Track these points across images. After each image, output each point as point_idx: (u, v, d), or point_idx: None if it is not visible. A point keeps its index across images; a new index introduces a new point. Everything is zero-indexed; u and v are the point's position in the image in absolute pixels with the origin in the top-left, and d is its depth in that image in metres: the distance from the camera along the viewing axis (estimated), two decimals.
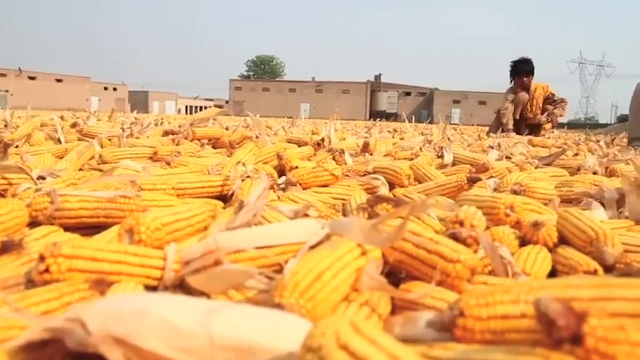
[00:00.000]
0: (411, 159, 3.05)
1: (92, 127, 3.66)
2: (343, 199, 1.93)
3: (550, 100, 7.46)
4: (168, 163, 2.32)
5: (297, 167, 2.15)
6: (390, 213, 0.90)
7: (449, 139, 4.91)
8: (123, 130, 3.09)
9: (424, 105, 59.52)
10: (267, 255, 0.91)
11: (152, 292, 0.99)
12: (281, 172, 2.31)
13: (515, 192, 1.80)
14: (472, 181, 1.92)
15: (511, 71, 7.53)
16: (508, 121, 7.25)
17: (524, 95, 7.46)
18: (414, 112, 48.53)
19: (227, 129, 4.39)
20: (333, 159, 3.08)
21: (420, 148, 3.19)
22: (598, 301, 0.66)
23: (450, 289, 0.92)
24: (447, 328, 0.69)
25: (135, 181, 1.61)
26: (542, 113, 7.40)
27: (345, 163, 2.94)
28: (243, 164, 1.92)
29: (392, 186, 2.20)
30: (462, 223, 1.13)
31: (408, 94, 62.13)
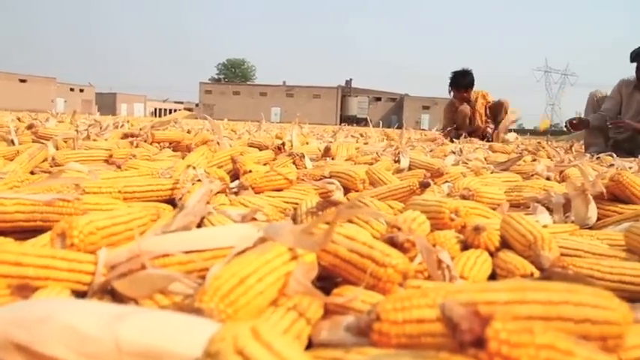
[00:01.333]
0: (372, 163, 3.06)
1: (48, 129, 3.57)
2: (296, 204, 1.92)
3: (491, 107, 7.29)
4: (118, 167, 2.28)
5: (250, 171, 2.13)
6: (319, 218, 0.90)
7: (411, 144, 4.96)
8: (77, 132, 3.01)
9: (394, 110, 60.15)
10: (195, 260, 0.89)
11: (81, 297, 0.96)
12: (236, 176, 2.29)
13: (463, 197, 1.82)
14: (424, 185, 1.93)
15: (450, 83, 7.23)
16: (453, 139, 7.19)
17: (465, 108, 7.25)
18: (384, 118, 48.95)
19: (189, 132, 4.34)
20: (294, 163, 3.08)
21: (377, 153, 3.21)
22: (513, 305, 0.67)
23: (382, 293, 0.92)
24: (363, 333, 0.69)
25: (79, 185, 1.57)
26: (486, 122, 7.22)
27: (305, 167, 2.94)
28: (194, 167, 1.90)
29: (348, 190, 2.20)
30: (399, 228, 1.13)
31: (379, 99, 62.69)
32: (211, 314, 0.71)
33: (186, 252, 0.91)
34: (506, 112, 7.29)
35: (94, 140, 3.41)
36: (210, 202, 1.80)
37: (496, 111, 7.25)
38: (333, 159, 3.47)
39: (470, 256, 1.22)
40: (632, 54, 5.26)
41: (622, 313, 0.68)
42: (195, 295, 0.75)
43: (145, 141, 3.54)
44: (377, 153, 3.20)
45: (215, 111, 54.47)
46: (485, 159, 3.85)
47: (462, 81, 7.17)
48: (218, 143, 2.93)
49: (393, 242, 1.08)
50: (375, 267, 0.92)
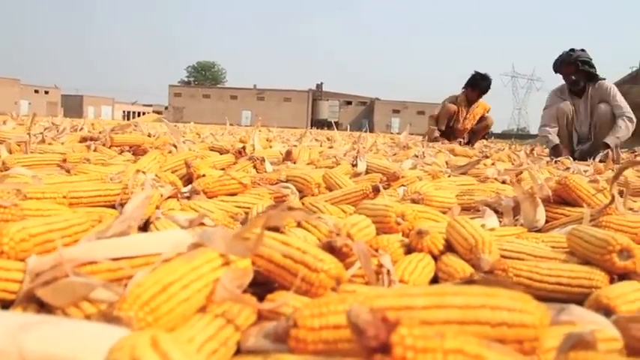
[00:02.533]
0: (333, 167, 3.07)
1: (2, 132, 3.48)
2: (248, 208, 1.91)
3: (481, 119, 7.42)
4: (67, 171, 2.23)
5: (204, 175, 2.11)
6: (252, 223, 0.89)
7: (376, 147, 5.00)
8: (30, 135, 2.93)
9: (365, 114, 60.50)
10: (125, 267, 0.87)
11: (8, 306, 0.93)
12: (191, 180, 2.26)
13: (414, 200, 1.83)
14: (376, 189, 1.94)
15: (469, 82, 7.32)
16: (432, 133, 7.26)
17: (450, 107, 7.40)
18: (354, 121, 49.20)
19: (149, 135, 4.28)
20: (254, 167, 3.07)
21: (335, 157, 3.22)
22: (431, 309, 0.67)
23: (315, 298, 0.91)
24: (281, 339, 0.68)
25: (20, 190, 1.53)
26: (470, 130, 7.35)
27: (266, 171, 2.93)
28: (143, 172, 1.87)
29: (303, 194, 2.20)
30: (338, 232, 1.13)
31: (349, 103, 62.99)
32: (130, 323, 0.70)
33: (117, 259, 0.90)
34: (486, 129, 7.48)
35: (50, 144, 3.33)
36: (160, 206, 1.78)
37: (480, 127, 7.41)
38: (294, 163, 3.47)
39: (412, 260, 1.23)
40: (553, 66, 5.58)
41: (538, 316, 0.69)
42: (114, 304, 0.73)
43: (104, 145, 3.48)
44: (335, 157, 3.21)
45: (185, 114, 53.97)
46: (446, 163, 3.91)
47: (481, 83, 7.29)
48: (176, 147, 2.90)
49: (331, 247, 1.08)
50: (308, 272, 0.92)
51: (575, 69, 5.38)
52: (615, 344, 0.85)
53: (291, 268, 0.94)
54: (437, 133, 7.22)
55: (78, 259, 0.85)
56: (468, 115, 7.32)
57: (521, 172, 2.99)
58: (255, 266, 0.99)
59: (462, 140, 7.02)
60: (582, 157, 5.30)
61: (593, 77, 5.44)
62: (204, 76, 79.27)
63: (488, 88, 7.35)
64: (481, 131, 7.43)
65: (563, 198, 2.01)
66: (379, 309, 0.68)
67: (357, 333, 0.55)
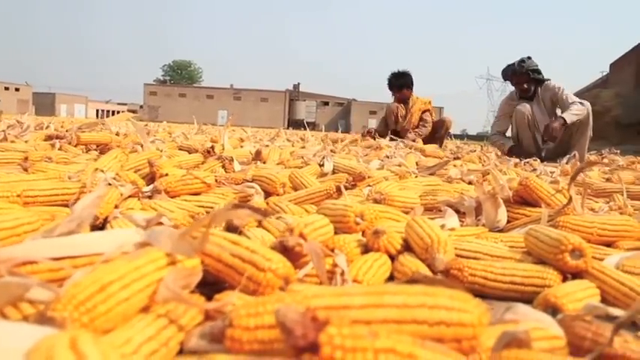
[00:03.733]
0: (302, 167, 3.07)
1: None
2: (211, 208, 1.89)
3: (435, 122, 7.38)
4: (25, 169, 2.18)
5: (167, 174, 2.08)
6: (197, 222, 0.88)
7: (348, 147, 5.00)
8: None
9: (342, 115, 60.64)
10: (66, 266, 0.85)
11: None
12: (155, 180, 2.23)
13: (375, 200, 1.84)
14: (339, 190, 1.94)
15: (388, 84, 7.39)
16: (375, 136, 7.26)
17: (390, 107, 7.42)
18: (332, 122, 49.30)
19: (118, 134, 4.22)
20: (223, 167, 3.05)
21: (303, 157, 3.21)
22: (369, 308, 0.67)
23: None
24: (217, 339, 0.67)
25: None
26: (414, 128, 7.24)
27: (234, 171, 2.91)
28: (102, 171, 1.84)
29: (269, 194, 2.19)
30: (291, 232, 1.13)
31: (326, 104, 63.05)
32: (64, 323, 0.68)
33: (60, 258, 0.87)
34: (447, 130, 7.48)
35: (12, 142, 3.25)
36: (119, 206, 1.76)
37: (437, 126, 7.40)
38: (264, 163, 3.45)
39: (367, 260, 1.23)
40: (502, 74, 5.83)
41: (476, 315, 0.69)
42: (49, 304, 0.72)
43: (70, 143, 3.42)
44: (303, 157, 3.21)
45: (160, 113, 53.42)
46: (417, 163, 3.93)
47: (395, 81, 7.30)
48: (141, 146, 2.86)
49: (284, 247, 1.08)
50: (255, 271, 0.91)
51: (527, 78, 5.63)
52: (558, 342, 0.86)
53: (239, 268, 0.93)
54: (362, 130, 7.28)
55: (16, 258, 0.83)
56: (407, 115, 7.30)
57: (488, 173, 3.02)
58: (205, 266, 0.98)
59: (413, 138, 6.97)
60: (549, 156, 5.40)
61: (541, 81, 5.70)
62: (181, 75, 78.51)
63: (408, 82, 7.31)
64: (440, 132, 7.39)
65: (524, 198, 2.04)
66: (315, 308, 0.67)
67: (285, 332, 0.54)
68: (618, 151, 7.08)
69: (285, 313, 0.54)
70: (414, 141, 6.46)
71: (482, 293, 1.30)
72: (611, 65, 28.56)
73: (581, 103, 5.49)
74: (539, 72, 5.66)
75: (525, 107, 5.70)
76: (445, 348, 0.65)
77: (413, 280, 0.85)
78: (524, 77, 5.64)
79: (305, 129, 9.50)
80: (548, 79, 5.74)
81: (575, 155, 4.58)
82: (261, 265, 0.91)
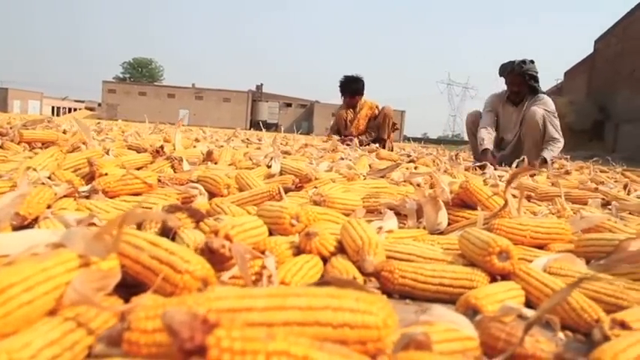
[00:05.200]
0: (253, 168, 3.05)
1: None
2: (150, 209, 1.86)
3: (374, 119, 7.33)
4: None
5: (106, 174, 2.04)
6: (110, 223, 0.86)
7: (304, 149, 5.01)
8: None
9: (304, 117, 60.66)
10: None
11: None
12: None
13: (315, 202, 1.84)
14: (285, 190, 1.94)
15: (340, 88, 7.32)
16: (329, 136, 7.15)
17: (339, 113, 7.41)
18: (294, 123, 49.19)
19: (64, 132, 4.10)
20: (172, 167, 3.00)
21: (250, 158, 3.20)
22: (271, 311, 0.67)
23: None
24: (115, 343, 0.66)
25: None
26: (366, 131, 7.25)
27: (183, 172, 2.87)
28: (34, 170, 1.78)
29: (213, 195, 2.16)
30: (216, 233, 1.12)
31: (289, 105, 62.94)
32: None
33: None
34: (389, 120, 7.36)
35: None
36: (53, 206, 1.71)
37: (378, 122, 7.33)
38: (216, 163, 3.42)
39: (297, 262, 1.23)
40: (500, 69, 5.53)
41: (381, 317, 0.70)
42: None
43: (12, 141, 3.31)
44: (251, 159, 3.19)
45: (119, 111, 52.34)
46: (370, 166, 3.96)
47: (347, 87, 7.25)
48: (85, 144, 2.79)
49: (209, 248, 1.07)
50: (172, 273, 0.90)
51: (521, 81, 5.35)
52: (470, 343, 0.87)
53: (157, 269, 0.91)
54: (327, 132, 7.24)
55: None
56: (354, 120, 7.24)
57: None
58: (124, 268, 0.96)
59: (362, 140, 6.96)
60: (501, 163, 5.47)
61: (535, 91, 5.43)
62: (141, 73, 77.02)
63: (359, 88, 7.27)
64: (384, 125, 7.32)
65: (465, 202, 2.08)
66: (218, 310, 0.67)
67: (172, 335, 0.53)
68: (568, 157, 7.29)
69: (172, 316, 0.53)
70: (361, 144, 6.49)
71: (412, 295, 1.32)
72: (565, 74, 29.48)
73: (560, 139, 5.34)
74: (536, 80, 5.38)
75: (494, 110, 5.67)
76: (347, 350, 0.65)
77: (325, 283, 0.85)
78: (518, 79, 5.34)
79: (263, 130, 9.43)
80: (543, 92, 5.49)
81: (524, 160, 4.69)
82: (178, 267, 0.90)
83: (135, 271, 0.95)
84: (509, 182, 1.86)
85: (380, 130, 7.26)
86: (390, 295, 1.30)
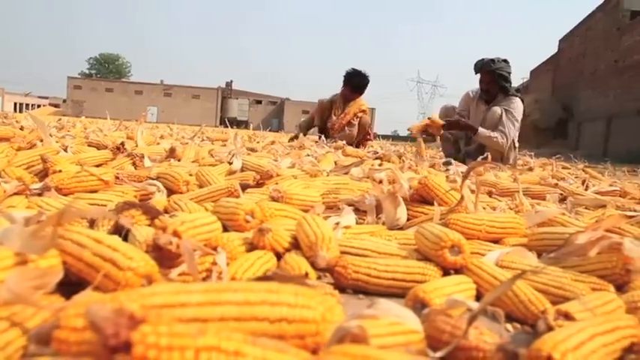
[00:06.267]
0: (216, 165, 3.03)
1: None
2: (105, 206, 1.83)
3: (354, 120, 7.25)
4: None
5: (60, 171, 1.99)
6: (47, 219, 0.84)
7: (270, 146, 4.99)
8: None
9: (275, 114, 60.47)
10: None
11: None
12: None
13: (273, 198, 1.83)
14: (243, 187, 1.92)
15: (346, 80, 7.13)
16: (301, 127, 7.14)
17: (321, 102, 7.33)
18: (265, 121, 49.00)
19: (22, 129, 4.00)
20: (133, 164, 2.96)
21: (212, 155, 3.18)
22: (206, 306, 0.66)
23: None
24: (44, 342, 0.64)
25: None
26: (346, 126, 7.16)
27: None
28: None
29: (172, 192, 2.14)
30: (164, 229, 1.10)
31: (260, 102, 62.65)
32: None
33: None
34: (362, 129, 7.37)
35: None
36: (2, 203, 1.66)
37: (358, 127, 7.33)
38: (179, 160, 3.38)
39: (249, 258, 1.22)
40: (475, 66, 5.51)
41: (320, 312, 0.70)
42: None
43: None
44: (212, 155, 3.16)
45: (86, 108, 51.35)
46: (335, 162, 3.97)
47: (353, 80, 7.07)
48: (42, 141, 2.73)
49: (156, 245, 1.05)
50: (114, 270, 0.88)
51: (491, 79, 5.27)
52: (414, 336, 0.88)
53: (100, 267, 0.90)
54: (304, 132, 7.12)
55: None
56: (342, 113, 7.10)
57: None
58: (67, 265, 0.93)
59: (336, 138, 6.95)
60: (465, 159, 5.52)
61: (506, 91, 5.35)
62: (108, 68, 75.57)
63: (362, 85, 7.15)
64: (360, 131, 7.32)
65: (424, 197, 2.10)
66: (151, 306, 0.66)
67: (96, 331, 0.52)
68: (532, 154, 7.44)
69: (95, 312, 0.52)
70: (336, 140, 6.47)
71: (366, 290, 1.32)
72: (531, 72, 30.09)
73: (503, 136, 5.24)
74: (506, 80, 5.28)
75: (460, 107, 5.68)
76: (284, 345, 0.64)
77: (267, 278, 0.85)
78: (488, 76, 5.27)
79: (238, 127, 9.34)
80: (516, 95, 5.39)
81: (487, 157, 4.75)
82: (120, 264, 0.89)
83: (77, 268, 0.93)
84: (465, 177, 1.88)
85: (357, 135, 7.26)
86: (343, 290, 1.31)
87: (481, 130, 5.19)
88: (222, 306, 0.66)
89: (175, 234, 1.08)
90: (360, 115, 7.20)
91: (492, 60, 5.29)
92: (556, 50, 25.07)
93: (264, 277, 0.87)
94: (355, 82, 7.12)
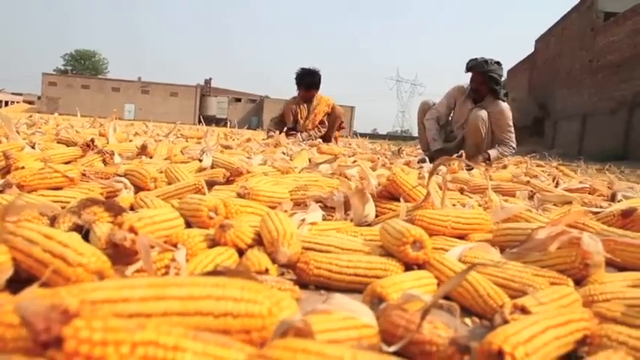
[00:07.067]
0: (188, 162, 3.01)
1: None
2: (68, 203, 1.80)
3: (328, 115, 7.26)
4: None
5: (23, 167, 1.95)
6: None
7: (245, 143, 4.97)
8: None
9: (254, 112, 60.20)
10: None
11: None
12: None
13: (239, 195, 1.83)
14: (210, 184, 1.91)
15: (297, 80, 7.11)
16: (269, 130, 6.99)
17: (288, 105, 7.25)
18: (244, 119, 48.78)
19: None
20: (103, 161, 2.93)
21: (181, 152, 3.16)
22: (149, 301, 0.65)
23: None
24: None
25: None
26: (317, 126, 7.16)
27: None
28: None
29: (140, 189, 2.12)
30: (120, 226, 1.09)
31: (239, 100, 62.30)
32: None
33: None
34: (337, 120, 7.34)
35: None
36: None
37: (331, 121, 7.31)
38: (151, 157, 3.35)
39: (210, 254, 1.21)
40: (467, 64, 5.44)
41: (267, 306, 0.70)
42: None
43: None
44: (183, 152, 3.14)
45: (61, 105, 50.41)
46: (309, 160, 3.97)
47: (303, 79, 7.07)
48: (7, 138, 2.68)
49: (112, 241, 1.04)
50: (64, 266, 0.87)
51: (481, 80, 5.23)
52: (367, 331, 0.88)
53: (50, 263, 0.88)
54: (272, 132, 7.06)
55: None
56: (309, 115, 7.09)
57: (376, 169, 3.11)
58: (17, 262, 0.92)
59: (311, 135, 6.94)
60: (446, 154, 5.51)
61: (496, 93, 5.32)
62: (84, 65, 74.37)
63: (315, 82, 7.12)
64: (334, 124, 7.30)
65: (393, 194, 2.11)
66: (93, 301, 0.65)
67: (27, 327, 0.51)
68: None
69: (26, 307, 0.51)
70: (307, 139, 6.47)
71: (329, 286, 1.32)
72: (508, 72, 30.41)
73: (510, 147, 5.35)
74: (497, 83, 5.23)
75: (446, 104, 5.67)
76: (227, 339, 0.64)
77: (217, 273, 0.85)
78: (478, 77, 5.23)
79: (217, 125, 9.26)
80: (504, 100, 5.37)
81: (462, 154, 4.78)
82: (71, 260, 0.87)
83: (28, 265, 0.91)
84: (431, 174, 1.90)
85: (329, 129, 7.24)
86: (306, 286, 1.31)
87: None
88: (165, 301, 0.65)
89: (132, 230, 1.07)
90: (328, 111, 7.21)
91: (486, 61, 5.25)
92: (532, 50, 25.40)
93: (215, 272, 0.87)
94: (307, 82, 7.11)
